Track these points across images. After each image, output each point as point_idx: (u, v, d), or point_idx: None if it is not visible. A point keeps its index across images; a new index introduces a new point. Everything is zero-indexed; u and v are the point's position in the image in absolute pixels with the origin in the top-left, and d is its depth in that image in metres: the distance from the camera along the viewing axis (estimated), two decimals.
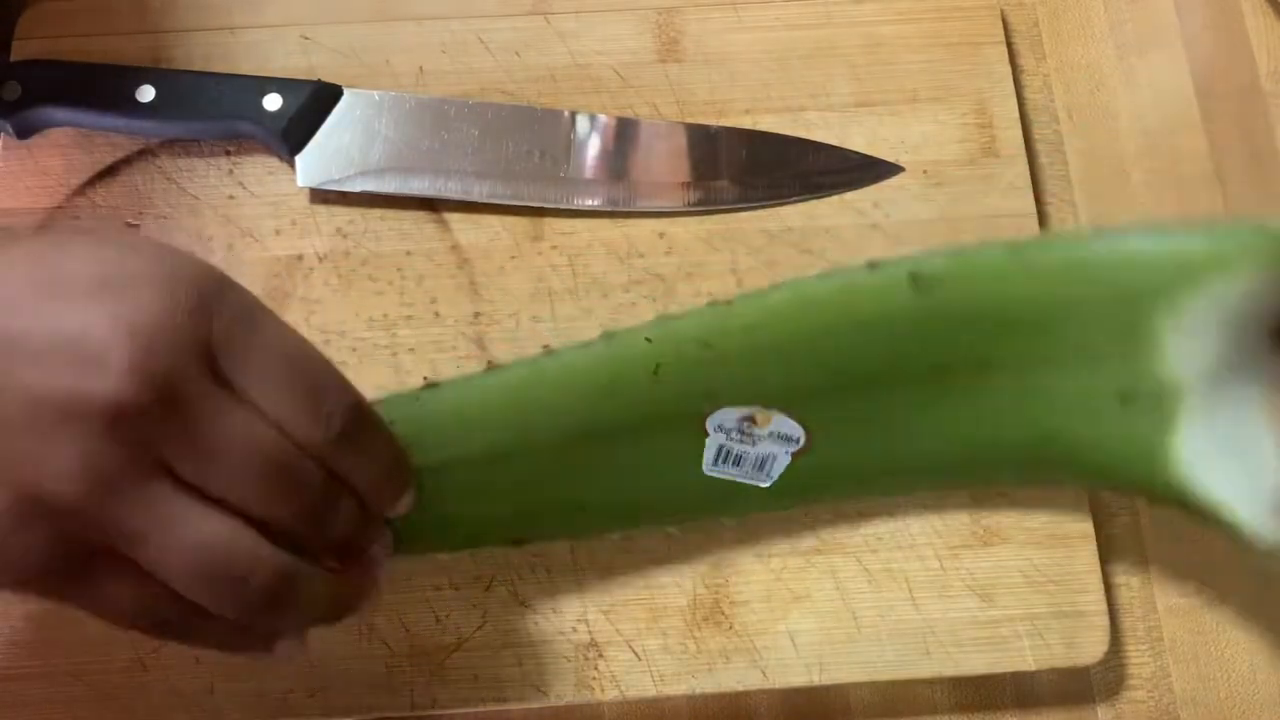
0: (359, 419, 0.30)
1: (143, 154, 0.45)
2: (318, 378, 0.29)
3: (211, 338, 0.27)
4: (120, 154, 0.45)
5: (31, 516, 0.26)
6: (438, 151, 0.44)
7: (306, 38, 0.47)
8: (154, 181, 0.45)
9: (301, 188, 0.44)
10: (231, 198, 0.45)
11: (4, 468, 0.26)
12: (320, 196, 0.45)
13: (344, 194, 0.44)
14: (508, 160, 0.44)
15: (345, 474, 0.30)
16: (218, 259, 0.43)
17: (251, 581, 0.27)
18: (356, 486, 0.30)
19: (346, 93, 0.44)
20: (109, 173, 0.45)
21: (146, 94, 0.43)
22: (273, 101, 0.43)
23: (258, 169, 0.45)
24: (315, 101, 0.44)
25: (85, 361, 0.26)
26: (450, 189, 0.44)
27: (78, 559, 0.27)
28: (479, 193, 0.44)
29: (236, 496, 0.27)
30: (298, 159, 0.44)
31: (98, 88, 0.43)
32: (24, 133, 0.44)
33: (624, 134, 0.45)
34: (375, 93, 0.45)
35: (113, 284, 0.27)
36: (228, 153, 0.45)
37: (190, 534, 0.27)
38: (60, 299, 0.26)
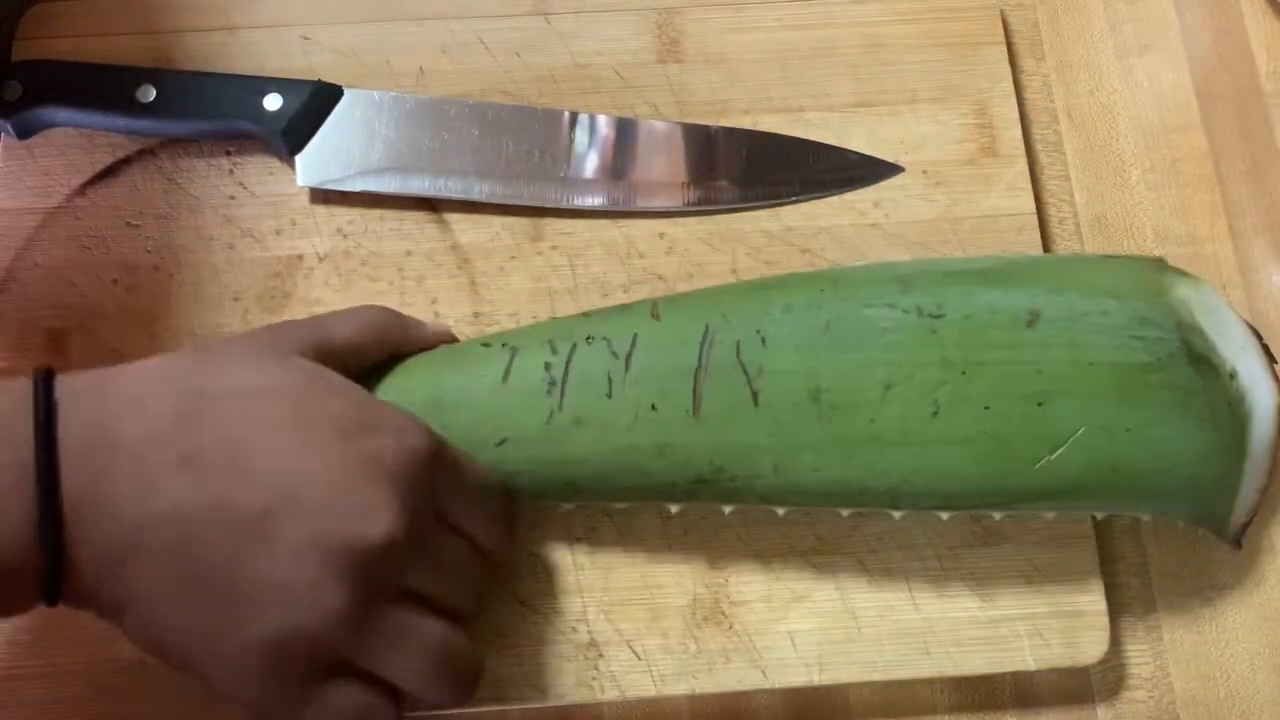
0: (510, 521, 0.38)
1: (143, 154, 0.45)
2: (496, 502, 0.37)
3: (435, 481, 0.33)
4: (120, 154, 0.45)
5: (293, 651, 0.30)
6: (438, 151, 0.44)
7: (306, 38, 0.47)
8: (154, 181, 0.45)
9: (301, 188, 0.44)
10: (231, 198, 0.45)
11: (264, 610, 0.30)
12: (320, 196, 0.45)
13: (344, 194, 0.44)
14: (508, 160, 0.44)
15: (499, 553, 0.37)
16: (218, 259, 0.44)
17: (454, 666, 0.33)
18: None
19: (346, 93, 0.44)
20: (109, 173, 0.45)
21: (146, 94, 0.43)
22: (273, 101, 0.43)
23: (258, 169, 0.45)
24: (315, 101, 0.44)
25: (355, 511, 0.31)
26: (450, 189, 0.44)
27: (314, 682, 0.31)
28: (479, 193, 0.44)
29: (452, 600, 0.34)
30: (298, 159, 0.44)
31: (98, 88, 0.44)
32: (24, 133, 0.44)
33: (624, 134, 0.45)
34: (375, 93, 0.45)
35: (358, 433, 0.32)
36: (228, 153, 0.45)
37: (425, 638, 0.32)
38: (316, 446, 0.31)
